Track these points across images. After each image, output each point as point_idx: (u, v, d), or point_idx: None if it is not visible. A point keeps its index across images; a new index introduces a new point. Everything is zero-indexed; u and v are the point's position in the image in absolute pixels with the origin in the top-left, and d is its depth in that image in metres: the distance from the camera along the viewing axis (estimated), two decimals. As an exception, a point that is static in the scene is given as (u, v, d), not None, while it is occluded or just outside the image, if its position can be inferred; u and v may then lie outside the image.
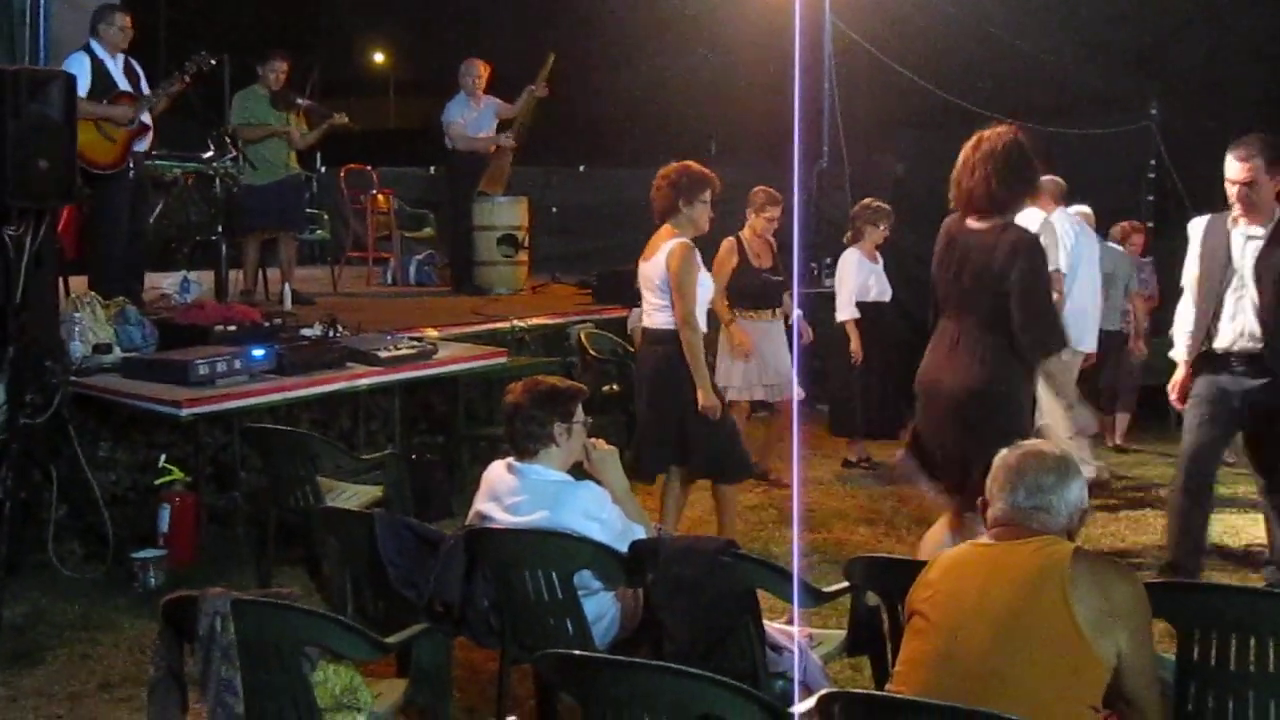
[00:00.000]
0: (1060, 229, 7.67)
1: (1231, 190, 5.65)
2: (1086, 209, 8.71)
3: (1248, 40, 13.34)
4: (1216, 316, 5.81)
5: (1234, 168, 5.62)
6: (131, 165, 8.47)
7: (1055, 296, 7.08)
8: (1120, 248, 9.64)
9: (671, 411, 6.35)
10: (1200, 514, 6.05)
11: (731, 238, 8.50)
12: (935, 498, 5.50)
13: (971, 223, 5.27)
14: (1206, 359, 5.92)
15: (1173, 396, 6.21)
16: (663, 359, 6.35)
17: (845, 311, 9.03)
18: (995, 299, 5.15)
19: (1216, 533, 7.37)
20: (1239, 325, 5.75)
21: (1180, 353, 6.13)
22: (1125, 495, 8.22)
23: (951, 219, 5.41)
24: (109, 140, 8.25)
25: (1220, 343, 5.82)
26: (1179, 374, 6.14)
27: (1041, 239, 7.11)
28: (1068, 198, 8.17)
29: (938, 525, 5.51)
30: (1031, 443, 3.42)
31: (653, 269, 6.32)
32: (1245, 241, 5.72)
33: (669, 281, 6.22)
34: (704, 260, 6.42)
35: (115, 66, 8.39)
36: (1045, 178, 8.00)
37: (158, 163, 10.29)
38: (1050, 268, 7.09)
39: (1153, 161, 13.29)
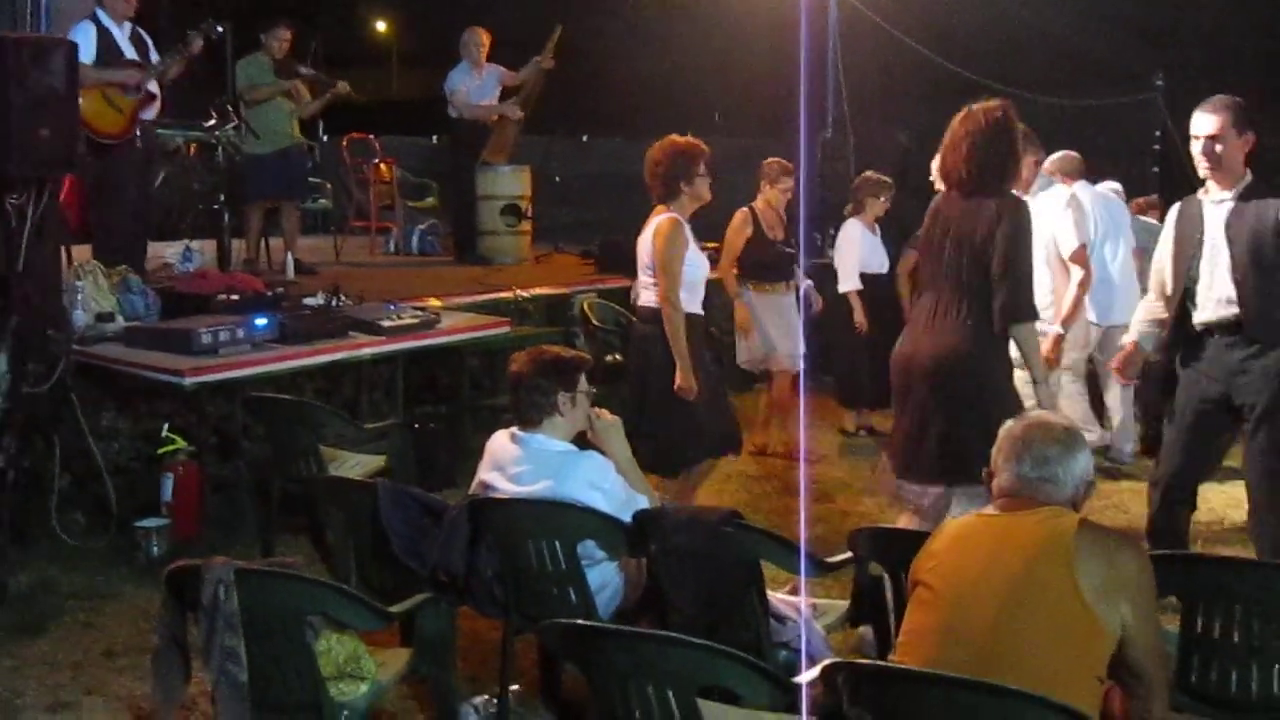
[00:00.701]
0: (1086, 202, 7.67)
1: (1197, 146, 5.49)
2: (1117, 185, 8.75)
3: (1254, 12, 13.29)
4: (1193, 291, 5.61)
5: (1202, 121, 5.46)
6: (139, 134, 8.44)
7: (1081, 271, 7.09)
8: (1152, 220, 9.56)
9: (640, 393, 6.27)
10: (1181, 517, 5.80)
11: (745, 209, 8.46)
12: (896, 493, 5.47)
13: (956, 197, 5.23)
14: (1189, 344, 5.68)
15: (1114, 364, 6.09)
16: (646, 338, 6.26)
17: (849, 282, 9.02)
18: (975, 265, 5.09)
19: (1221, 505, 7.36)
20: (1216, 293, 5.53)
21: (1130, 335, 5.96)
22: (1130, 466, 8.21)
23: (939, 196, 5.37)
24: (116, 110, 8.21)
25: (1200, 316, 5.59)
26: (1126, 350, 5.96)
27: (1070, 213, 7.16)
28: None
29: (902, 521, 5.43)
30: (1037, 414, 3.42)
31: (642, 245, 6.24)
32: (1215, 207, 5.55)
33: (654, 258, 6.15)
34: (717, 233, 6.29)
35: (122, 35, 8.34)
36: (1061, 153, 7.99)
37: (160, 132, 10.25)
38: (1077, 242, 7.12)
39: (1158, 133, 13.23)
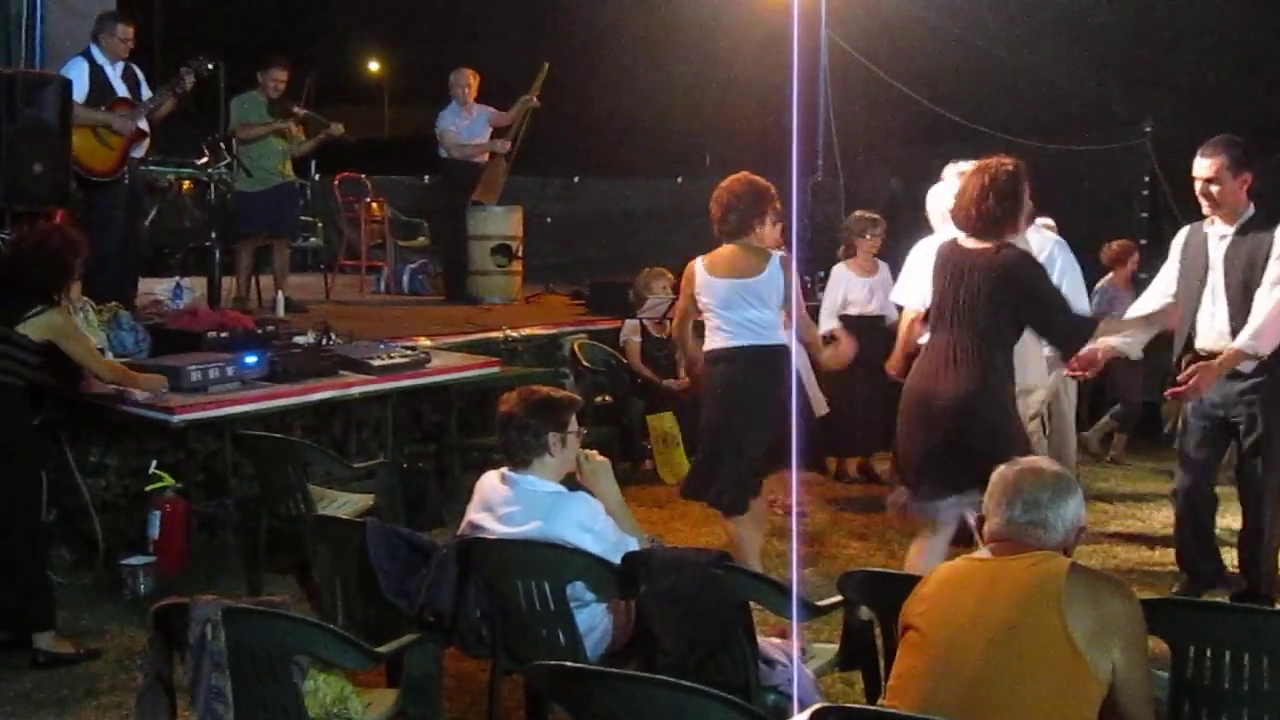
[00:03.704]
0: (1034, 244, 7.72)
1: (1197, 187, 5.85)
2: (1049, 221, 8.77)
3: (1242, 57, 13.38)
4: (1196, 320, 5.91)
5: (1200, 165, 5.83)
6: (127, 171, 8.44)
7: None
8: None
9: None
10: (1204, 521, 6.18)
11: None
12: (914, 511, 5.53)
13: (967, 243, 5.40)
14: (1195, 363, 5.94)
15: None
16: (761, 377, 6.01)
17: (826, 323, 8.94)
18: (990, 314, 5.29)
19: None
20: (1218, 325, 5.83)
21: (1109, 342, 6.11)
22: (1118, 511, 8.23)
23: (947, 240, 5.55)
24: (106, 147, 8.22)
25: (1202, 343, 5.90)
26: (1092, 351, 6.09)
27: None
28: (1062, 214, 8.17)
29: (918, 541, 5.59)
30: (1029, 459, 3.42)
31: (761, 284, 6.02)
32: (1218, 241, 5.86)
33: (784, 293, 6.00)
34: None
35: (114, 73, 8.37)
36: None
37: (152, 168, 10.27)
38: None
39: (1146, 178, 13.29)
